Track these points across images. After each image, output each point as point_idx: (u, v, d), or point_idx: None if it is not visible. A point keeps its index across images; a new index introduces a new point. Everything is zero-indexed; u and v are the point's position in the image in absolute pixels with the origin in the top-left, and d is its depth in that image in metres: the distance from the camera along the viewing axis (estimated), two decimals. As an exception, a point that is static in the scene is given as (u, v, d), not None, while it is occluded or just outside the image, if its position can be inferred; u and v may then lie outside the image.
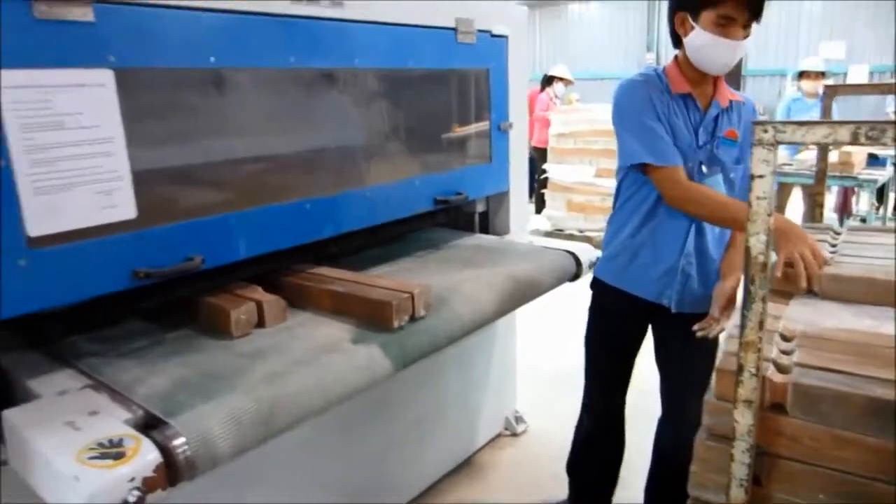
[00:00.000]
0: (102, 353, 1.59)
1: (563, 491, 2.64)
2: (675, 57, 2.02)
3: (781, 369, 1.24)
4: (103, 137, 1.44)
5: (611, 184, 4.98)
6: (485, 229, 2.83)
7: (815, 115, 5.60)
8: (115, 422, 1.28)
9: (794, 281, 1.57)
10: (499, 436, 3.13)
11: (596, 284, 2.26)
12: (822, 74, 6.17)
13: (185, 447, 1.23)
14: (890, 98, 7.66)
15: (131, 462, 1.15)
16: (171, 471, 1.20)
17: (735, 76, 11.21)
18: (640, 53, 13.53)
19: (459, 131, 2.52)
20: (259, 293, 1.80)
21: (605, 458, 2.45)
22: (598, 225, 6.44)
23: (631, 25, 13.55)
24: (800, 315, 1.50)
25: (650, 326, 2.24)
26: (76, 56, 1.37)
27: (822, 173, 2.73)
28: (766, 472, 1.23)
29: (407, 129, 2.34)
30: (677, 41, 1.98)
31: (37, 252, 1.36)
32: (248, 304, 1.73)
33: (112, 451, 1.17)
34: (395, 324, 1.74)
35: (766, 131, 1.18)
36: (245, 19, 1.66)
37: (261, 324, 1.75)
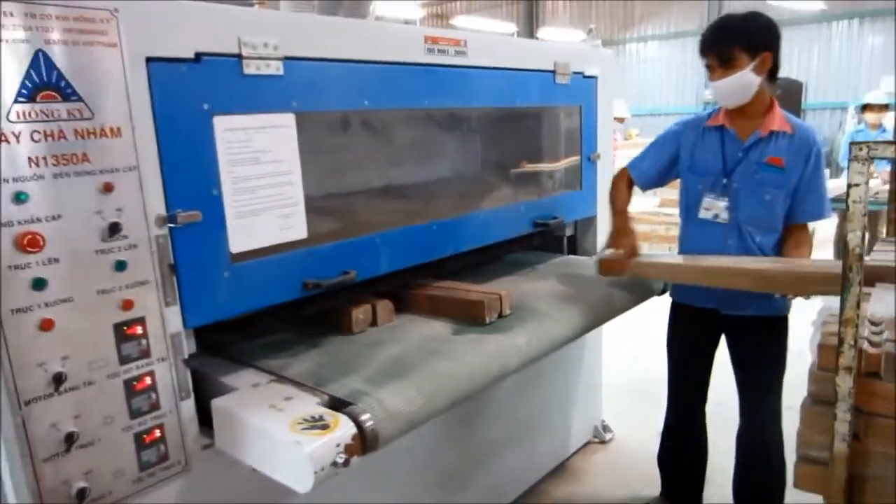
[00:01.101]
0: (255, 348, 1.91)
1: (651, 491, 2.85)
2: None
3: (874, 344, 1.46)
4: (286, 170, 1.73)
5: (674, 212, 5.20)
6: (572, 251, 3.06)
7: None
8: (309, 404, 1.54)
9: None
10: (588, 443, 3.33)
11: (672, 301, 2.60)
12: (885, 107, 6.29)
13: (372, 422, 1.47)
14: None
15: (335, 432, 1.40)
16: (363, 441, 1.44)
17: (795, 109, 11.31)
18: (699, 91, 13.66)
19: (555, 162, 2.77)
20: (372, 298, 2.11)
21: (689, 450, 2.69)
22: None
23: (689, 64, 13.74)
24: (881, 308, 1.72)
25: (724, 336, 2.49)
26: (270, 103, 1.67)
27: (893, 193, 2.93)
28: (864, 429, 1.45)
29: (512, 160, 2.60)
30: None
31: (236, 266, 1.65)
32: (366, 305, 2.06)
33: (318, 423, 1.43)
34: (487, 320, 2.05)
35: (861, 150, 1.40)
36: (391, 68, 1.95)
37: (374, 323, 2.08)
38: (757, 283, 2.12)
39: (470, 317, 2.08)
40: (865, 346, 1.46)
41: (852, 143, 1.42)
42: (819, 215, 2.28)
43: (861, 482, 1.47)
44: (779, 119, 2.26)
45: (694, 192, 2.36)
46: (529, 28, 14.75)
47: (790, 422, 2.39)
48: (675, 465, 2.75)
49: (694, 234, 2.39)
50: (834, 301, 1.53)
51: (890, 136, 6.11)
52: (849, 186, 1.40)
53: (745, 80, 2.17)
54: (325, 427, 1.41)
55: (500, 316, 2.10)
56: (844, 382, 1.40)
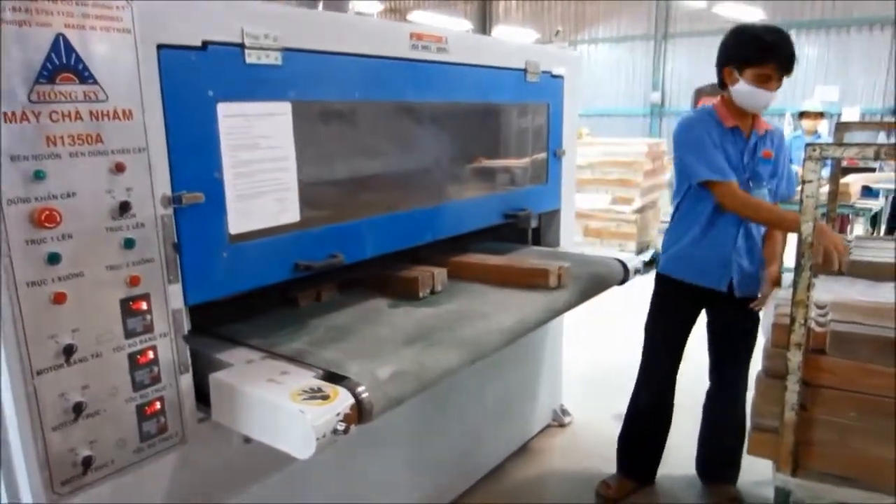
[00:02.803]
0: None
1: (607, 470, 3.04)
2: (722, 97, 2.55)
3: (820, 324, 1.65)
4: (282, 156, 1.81)
5: (626, 209, 5.49)
6: (536, 242, 3.20)
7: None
8: (306, 378, 1.63)
9: (829, 262, 2.16)
10: (548, 426, 3.50)
11: (661, 279, 2.76)
12: (820, 115, 6.68)
13: (366, 393, 1.57)
14: (882, 134, 8.21)
15: (335, 402, 1.50)
16: (360, 411, 1.54)
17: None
18: (647, 92, 14.09)
19: (524, 157, 2.91)
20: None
21: (655, 427, 2.89)
22: (611, 252, 6.83)
23: (638, 66, 14.18)
24: (824, 294, 1.93)
25: (705, 312, 2.75)
26: (269, 91, 1.74)
27: (833, 194, 3.18)
28: (810, 399, 1.65)
29: (485, 154, 2.72)
30: (724, 86, 2.51)
31: (234, 246, 1.72)
32: (311, 289, 2.22)
33: (318, 394, 1.52)
34: (421, 294, 2.25)
35: (815, 150, 1.57)
36: (380, 62, 2.04)
37: (318, 299, 2.23)
38: (496, 277, 2.45)
39: (406, 292, 2.26)
40: (813, 325, 1.65)
41: (807, 145, 1.59)
42: (791, 194, 2.58)
43: (806, 447, 1.66)
44: (763, 119, 2.55)
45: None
46: (483, 26, 14.93)
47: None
48: (640, 442, 2.93)
49: (706, 224, 2.55)
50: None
51: (824, 141, 6.49)
52: (802, 182, 1.57)
53: None
54: (325, 398, 1.50)
55: (433, 292, 2.29)
56: (795, 357, 1.57)
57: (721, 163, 2.44)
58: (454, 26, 12.70)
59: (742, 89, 2.41)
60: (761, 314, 2.48)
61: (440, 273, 2.34)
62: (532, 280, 2.38)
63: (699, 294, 2.64)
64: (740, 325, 2.66)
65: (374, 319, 2.07)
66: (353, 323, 2.03)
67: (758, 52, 2.36)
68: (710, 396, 2.82)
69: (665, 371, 2.81)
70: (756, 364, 1.91)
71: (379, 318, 2.09)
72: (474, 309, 2.16)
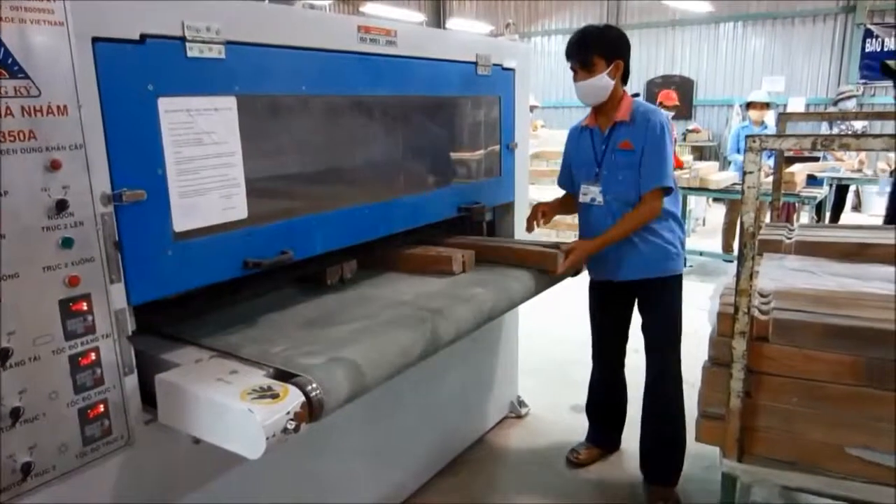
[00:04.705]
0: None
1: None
2: None
3: (763, 312, 1.70)
4: (228, 152, 1.77)
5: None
6: (491, 235, 3.21)
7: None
8: (256, 376, 1.60)
9: None
10: (505, 418, 3.51)
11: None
12: (766, 105, 6.83)
13: (318, 391, 1.55)
14: (825, 124, 8.43)
15: (285, 401, 1.48)
16: (311, 409, 1.52)
17: (687, 105, 11.99)
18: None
19: (477, 150, 2.91)
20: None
21: (611, 395, 3.10)
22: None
23: (589, 57, 14.21)
24: (768, 283, 1.97)
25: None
26: (213, 85, 1.71)
27: (778, 183, 3.26)
28: (755, 386, 1.70)
29: (438, 148, 2.72)
30: None
31: (179, 244, 1.69)
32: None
33: (268, 393, 1.50)
34: (329, 282, 2.36)
35: (754, 142, 1.61)
36: (327, 55, 2.02)
37: None
38: (406, 265, 2.56)
39: (318, 281, 2.35)
40: (756, 314, 1.69)
41: (748, 137, 1.62)
42: (656, 181, 2.54)
43: (751, 432, 1.70)
44: (623, 111, 2.60)
45: (578, 184, 2.76)
46: (437, 18, 14.87)
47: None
48: (599, 413, 3.12)
49: (583, 218, 2.81)
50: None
51: (771, 132, 6.65)
52: (744, 174, 1.61)
53: (602, 83, 2.53)
54: (275, 396, 1.48)
55: (342, 280, 2.39)
56: (739, 345, 1.61)
57: (559, 174, 2.90)
58: (408, 19, 12.64)
59: None
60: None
61: (349, 263, 2.41)
62: (437, 266, 2.49)
63: (613, 284, 2.78)
64: (657, 303, 2.75)
65: (279, 306, 2.15)
66: (258, 310, 2.10)
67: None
68: (645, 383, 2.88)
69: (609, 353, 3.02)
70: (701, 354, 1.94)
71: (284, 305, 2.16)
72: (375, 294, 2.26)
